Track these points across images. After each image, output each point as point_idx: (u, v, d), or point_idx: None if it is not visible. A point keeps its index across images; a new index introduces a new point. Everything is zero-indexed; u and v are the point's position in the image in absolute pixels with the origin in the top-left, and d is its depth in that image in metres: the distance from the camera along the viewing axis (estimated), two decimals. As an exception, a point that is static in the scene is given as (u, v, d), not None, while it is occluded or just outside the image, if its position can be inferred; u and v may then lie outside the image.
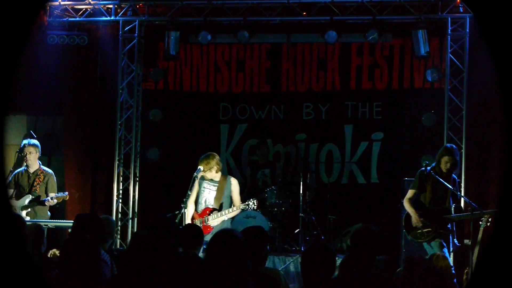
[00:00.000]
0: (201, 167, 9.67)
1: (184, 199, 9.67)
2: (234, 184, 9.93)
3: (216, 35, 12.70)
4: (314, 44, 13.15)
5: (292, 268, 10.97)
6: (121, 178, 12.88)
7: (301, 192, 12.00)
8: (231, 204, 9.84)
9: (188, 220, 9.62)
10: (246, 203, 9.76)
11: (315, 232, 12.07)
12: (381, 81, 12.99)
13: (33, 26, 11.43)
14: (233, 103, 13.42)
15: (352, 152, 13.12)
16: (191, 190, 9.78)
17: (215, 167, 9.74)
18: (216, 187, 9.79)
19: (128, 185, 12.87)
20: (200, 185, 9.84)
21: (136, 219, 12.88)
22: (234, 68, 13.41)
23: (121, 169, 12.86)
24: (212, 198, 9.77)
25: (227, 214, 9.70)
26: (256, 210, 10.34)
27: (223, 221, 9.70)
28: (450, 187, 9.12)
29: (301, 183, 12.03)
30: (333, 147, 13.17)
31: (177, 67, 13.41)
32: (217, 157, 9.87)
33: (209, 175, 9.77)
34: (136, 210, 12.90)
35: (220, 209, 9.74)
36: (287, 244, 11.99)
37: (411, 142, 12.68)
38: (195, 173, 9.67)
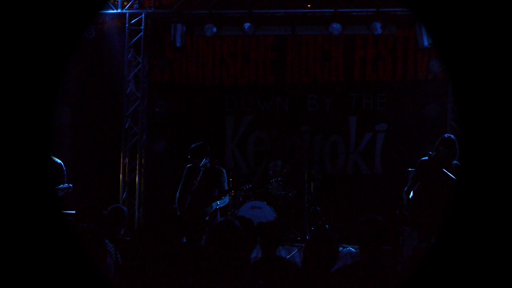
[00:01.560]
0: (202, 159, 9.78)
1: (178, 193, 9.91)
2: (225, 174, 10.03)
3: (221, 27, 12.77)
4: (318, 36, 13.25)
5: (298, 257, 11.07)
6: (128, 169, 13.00)
7: (306, 183, 12.11)
8: (220, 192, 9.94)
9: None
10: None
11: (320, 222, 12.17)
12: (385, 72, 13.09)
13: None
14: (238, 95, 13.53)
15: (356, 143, 13.24)
16: (184, 182, 9.95)
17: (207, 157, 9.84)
18: (207, 177, 9.82)
19: (135, 176, 12.99)
20: (189, 175, 9.90)
21: (142, 209, 13.01)
22: (239, 60, 13.52)
23: (128, 160, 12.98)
24: (203, 188, 9.80)
25: (218, 201, 9.81)
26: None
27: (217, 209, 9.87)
28: (452, 176, 9.14)
29: (306, 174, 12.13)
30: (338, 138, 13.29)
31: (183, 59, 13.52)
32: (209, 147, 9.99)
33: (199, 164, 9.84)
34: (142, 201, 13.03)
35: (210, 197, 9.82)
36: (293, 234, 12.10)
37: (414, 133, 12.76)
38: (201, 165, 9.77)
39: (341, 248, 10.93)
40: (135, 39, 12.88)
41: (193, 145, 9.95)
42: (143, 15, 12.76)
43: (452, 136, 9.60)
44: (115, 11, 12.73)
